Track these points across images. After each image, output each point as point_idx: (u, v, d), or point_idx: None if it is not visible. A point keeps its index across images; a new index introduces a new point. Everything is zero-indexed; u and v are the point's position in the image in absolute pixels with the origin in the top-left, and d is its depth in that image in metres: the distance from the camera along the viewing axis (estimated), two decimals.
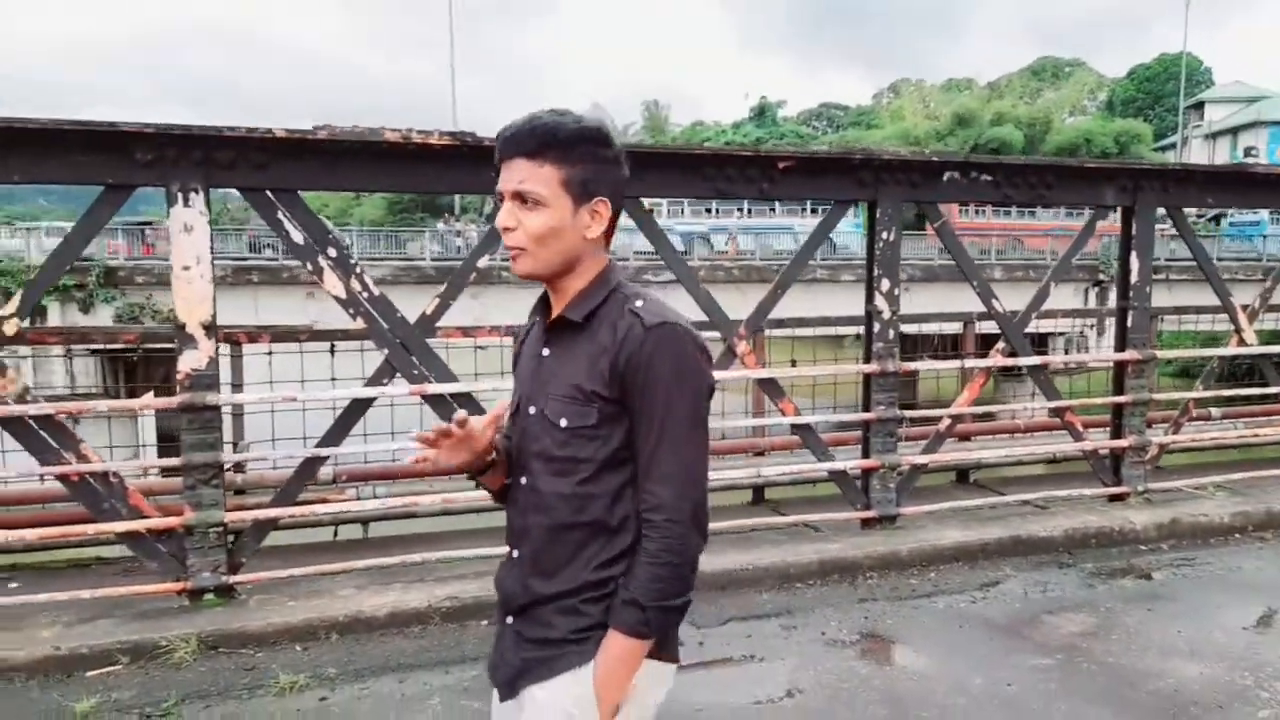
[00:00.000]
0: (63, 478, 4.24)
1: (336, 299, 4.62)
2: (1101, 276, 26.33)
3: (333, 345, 6.43)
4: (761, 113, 68.77)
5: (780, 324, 7.13)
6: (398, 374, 4.75)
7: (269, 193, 4.46)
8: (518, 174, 1.57)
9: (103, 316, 22.41)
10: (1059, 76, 69.55)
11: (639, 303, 1.61)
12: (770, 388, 5.37)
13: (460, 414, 1.64)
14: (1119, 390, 6.14)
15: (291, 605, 4.45)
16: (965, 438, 7.20)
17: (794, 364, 7.21)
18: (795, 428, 5.44)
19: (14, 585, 5.29)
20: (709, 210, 33.38)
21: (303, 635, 4.31)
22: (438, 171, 4.67)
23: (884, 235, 5.34)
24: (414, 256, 28.67)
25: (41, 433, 4.19)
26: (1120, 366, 6.17)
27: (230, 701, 3.80)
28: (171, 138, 4.21)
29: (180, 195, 4.27)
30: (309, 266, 4.57)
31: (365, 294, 4.65)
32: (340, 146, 4.45)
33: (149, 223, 28.07)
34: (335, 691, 3.88)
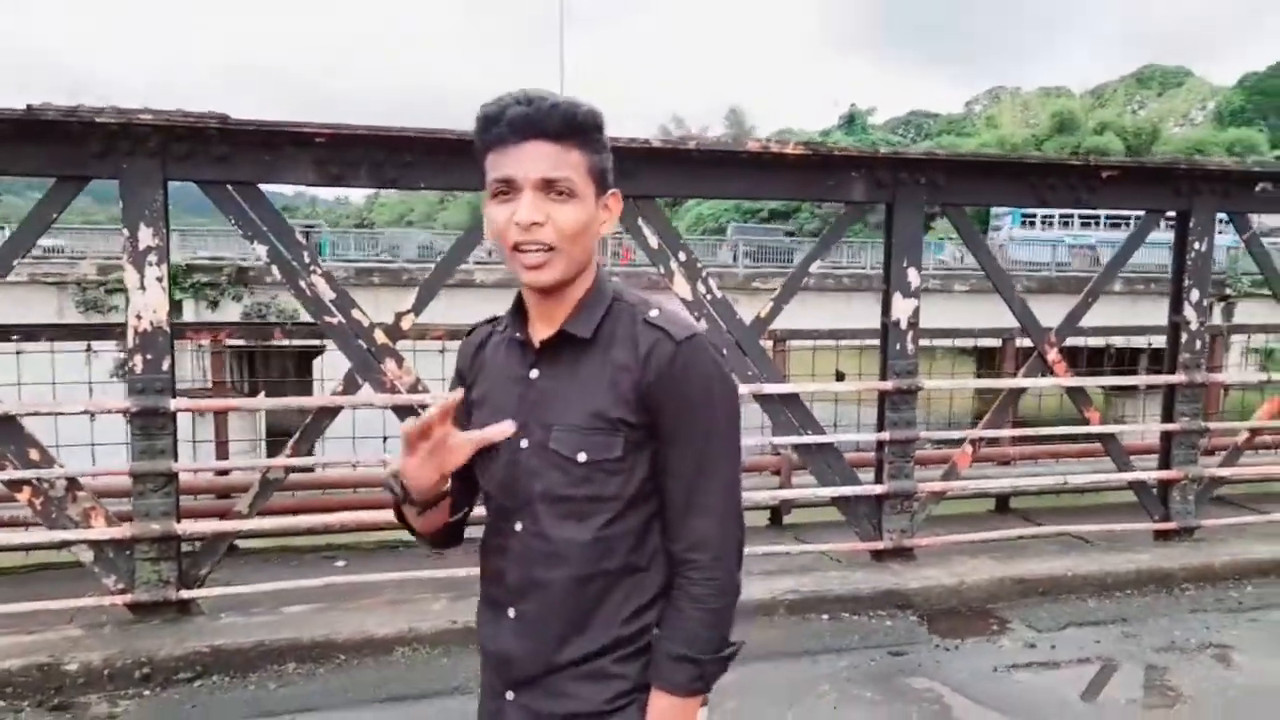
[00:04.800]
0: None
1: (682, 299, 4.81)
2: (1229, 290, 25.51)
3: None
4: (851, 120, 68.15)
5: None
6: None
7: (632, 200, 4.66)
8: (543, 159, 1.32)
9: (231, 313, 23.29)
10: (1166, 84, 67.46)
11: (653, 312, 1.40)
12: (1079, 395, 5.41)
13: (439, 403, 1.35)
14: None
15: None
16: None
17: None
18: (1098, 436, 5.46)
19: (340, 564, 5.64)
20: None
21: None
22: (791, 180, 4.83)
23: (1196, 246, 5.34)
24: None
25: None
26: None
27: None
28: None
29: None
30: (661, 269, 4.76)
31: (709, 296, 4.83)
32: (704, 156, 4.64)
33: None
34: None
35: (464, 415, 1.46)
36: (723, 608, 1.37)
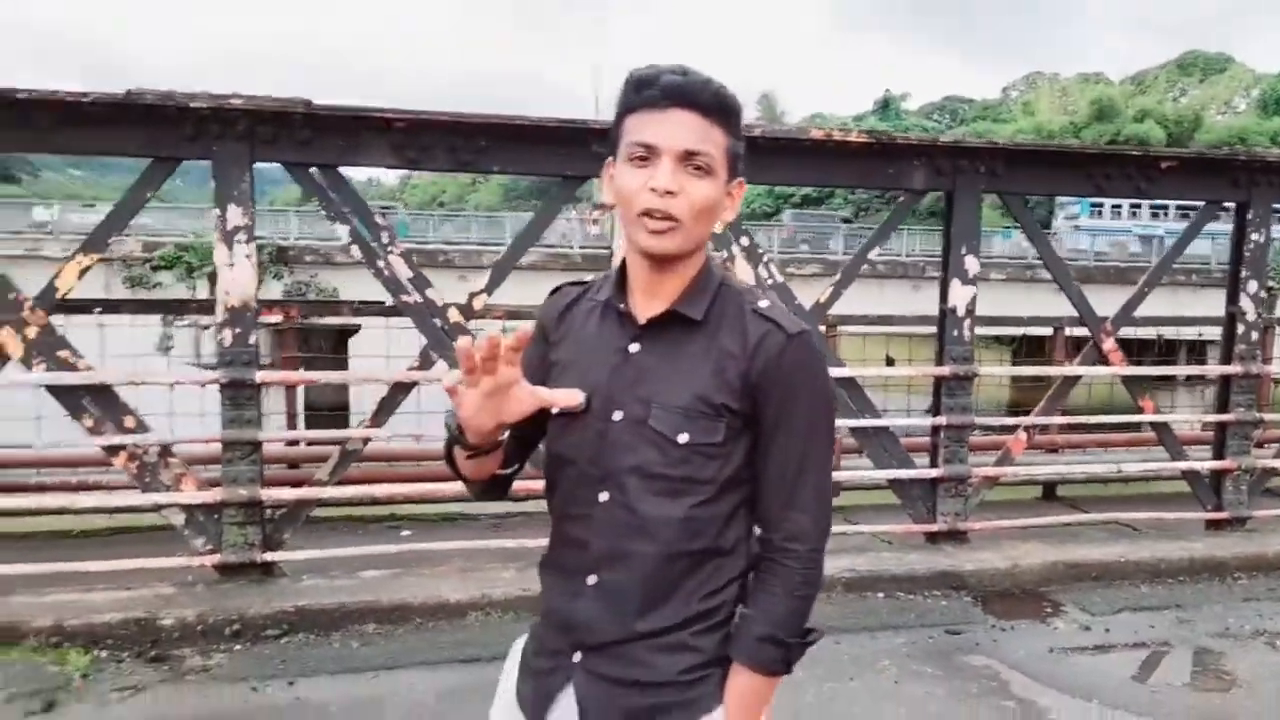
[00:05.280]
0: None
1: None
2: (1272, 284, 25.16)
3: None
4: (885, 105, 67.59)
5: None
6: None
7: None
8: (690, 130, 1.31)
9: (273, 292, 23.63)
10: (1208, 71, 66.19)
11: (763, 303, 1.41)
12: (1133, 384, 5.46)
13: (514, 332, 1.28)
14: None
15: None
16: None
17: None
18: (1152, 426, 5.52)
19: (406, 533, 5.83)
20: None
21: None
22: (852, 167, 4.92)
23: (1254, 237, 5.37)
24: (558, 244, 29.21)
25: None
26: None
27: None
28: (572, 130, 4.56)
29: None
30: (723, 254, 4.87)
31: (769, 280, 4.93)
32: (768, 143, 4.73)
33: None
34: None
35: (540, 373, 1.46)
36: (812, 595, 1.41)
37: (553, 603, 1.48)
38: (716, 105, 1.33)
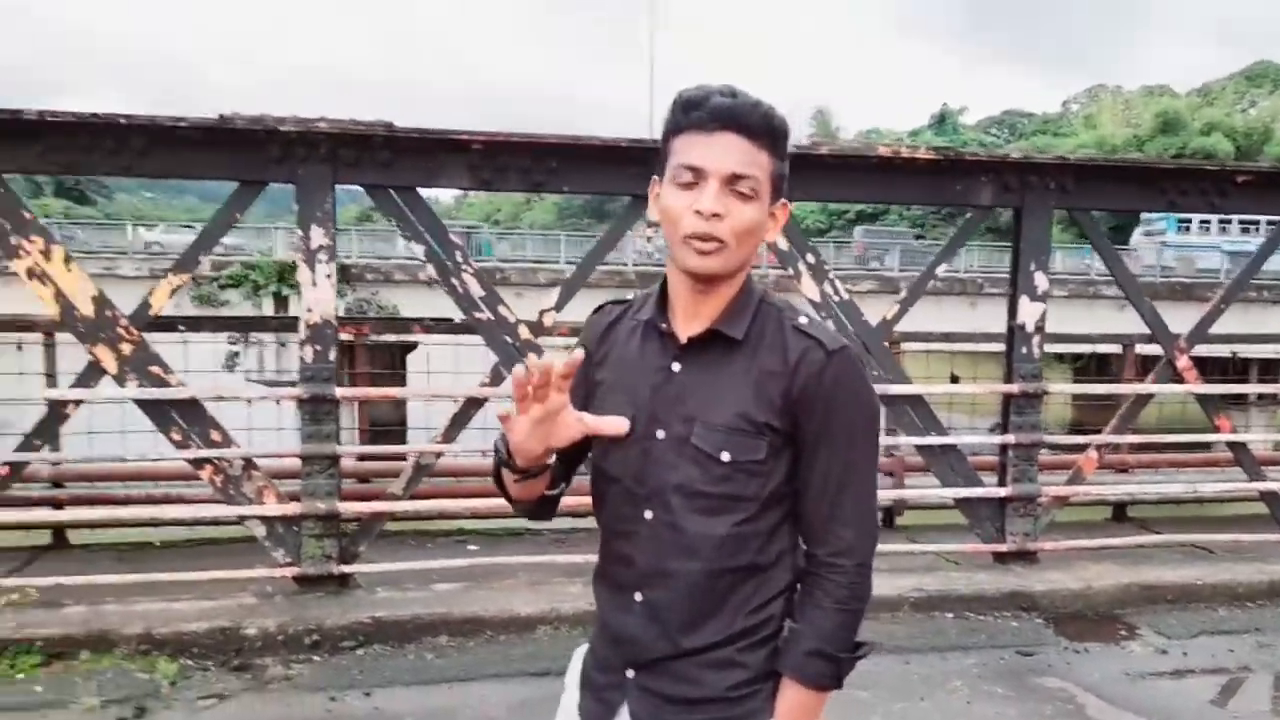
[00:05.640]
0: None
1: (810, 301, 4.93)
2: None
3: None
4: (942, 120, 66.98)
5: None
6: None
7: None
8: (737, 154, 1.33)
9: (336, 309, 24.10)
10: (1279, 82, 64.32)
11: (802, 319, 1.42)
12: (1208, 403, 5.35)
13: (566, 359, 1.29)
14: None
15: None
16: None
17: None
18: (1230, 445, 5.40)
19: (472, 548, 5.93)
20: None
21: None
22: (919, 184, 4.92)
23: None
24: (612, 261, 29.35)
25: None
26: None
27: None
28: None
29: None
30: (789, 270, 4.90)
31: (836, 298, 4.95)
32: (835, 160, 4.76)
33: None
34: None
35: (582, 392, 1.48)
36: (860, 610, 1.41)
37: (605, 616, 1.51)
38: (764, 129, 1.34)
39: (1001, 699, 3.89)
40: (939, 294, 22.90)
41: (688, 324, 1.42)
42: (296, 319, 4.58)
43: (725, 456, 1.37)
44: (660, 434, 1.41)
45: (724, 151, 1.32)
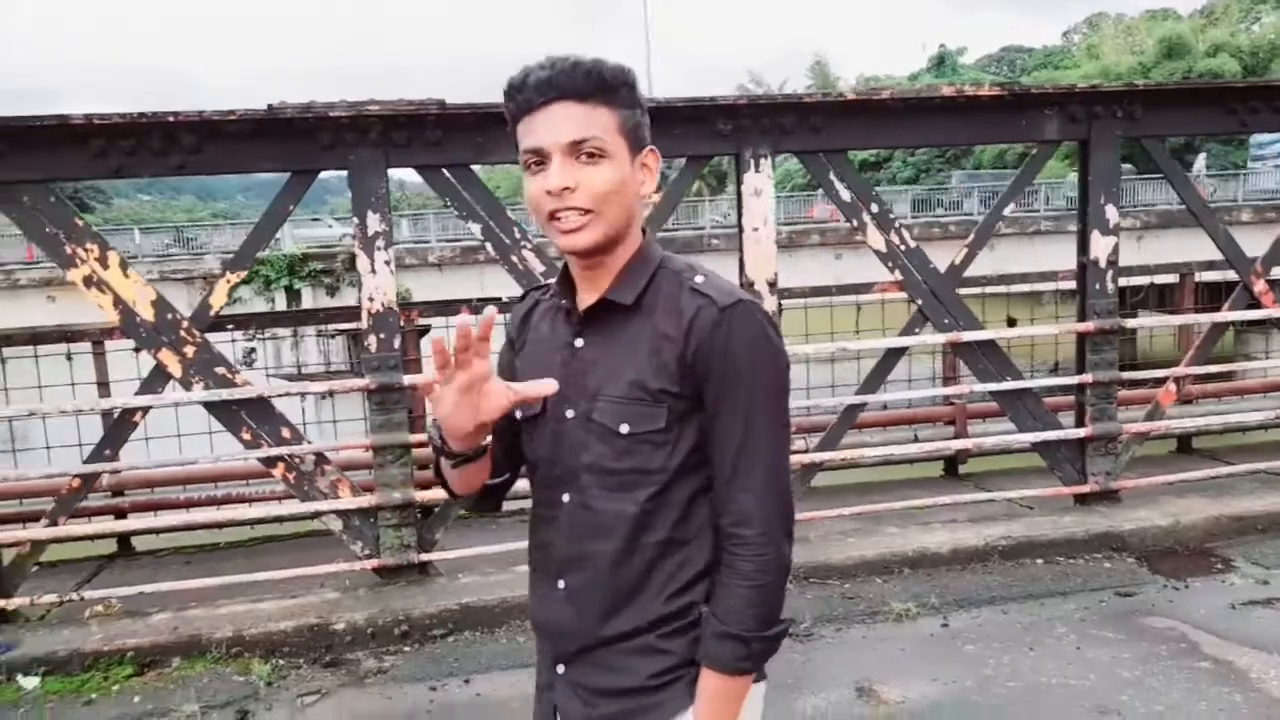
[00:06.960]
0: None
1: (876, 252, 4.81)
2: None
3: None
4: (941, 61, 65.82)
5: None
6: (928, 323, 4.91)
7: (822, 155, 4.67)
8: (570, 122, 1.27)
9: (350, 298, 24.02)
10: None
11: (699, 278, 1.34)
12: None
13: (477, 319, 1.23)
14: None
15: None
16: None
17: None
18: None
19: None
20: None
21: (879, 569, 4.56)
22: (983, 122, 4.76)
23: None
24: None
25: None
26: None
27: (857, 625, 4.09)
28: (746, 108, 4.49)
29: (751, 161, 4.54)
30: (854, 223, 4.77)
31: (903, 247, 4.81)
32: (897, 105, 4.61)
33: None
34: (950, 619, 4.10)
35: (510, 378, 1.40)
36: (770, 584, 1.31)
37: (533, 611, 1.47)
38: (594, 85, 1.27)
39: (1113, 642, 3.82)
40: (953, 238, 22.47)
41: (587, 298, 1.37)
42: (345, 309, 4.47)
43: (624, 429, 1.31)
44: (570, 413, 1.36)
45: (556, 123, 1.27)
